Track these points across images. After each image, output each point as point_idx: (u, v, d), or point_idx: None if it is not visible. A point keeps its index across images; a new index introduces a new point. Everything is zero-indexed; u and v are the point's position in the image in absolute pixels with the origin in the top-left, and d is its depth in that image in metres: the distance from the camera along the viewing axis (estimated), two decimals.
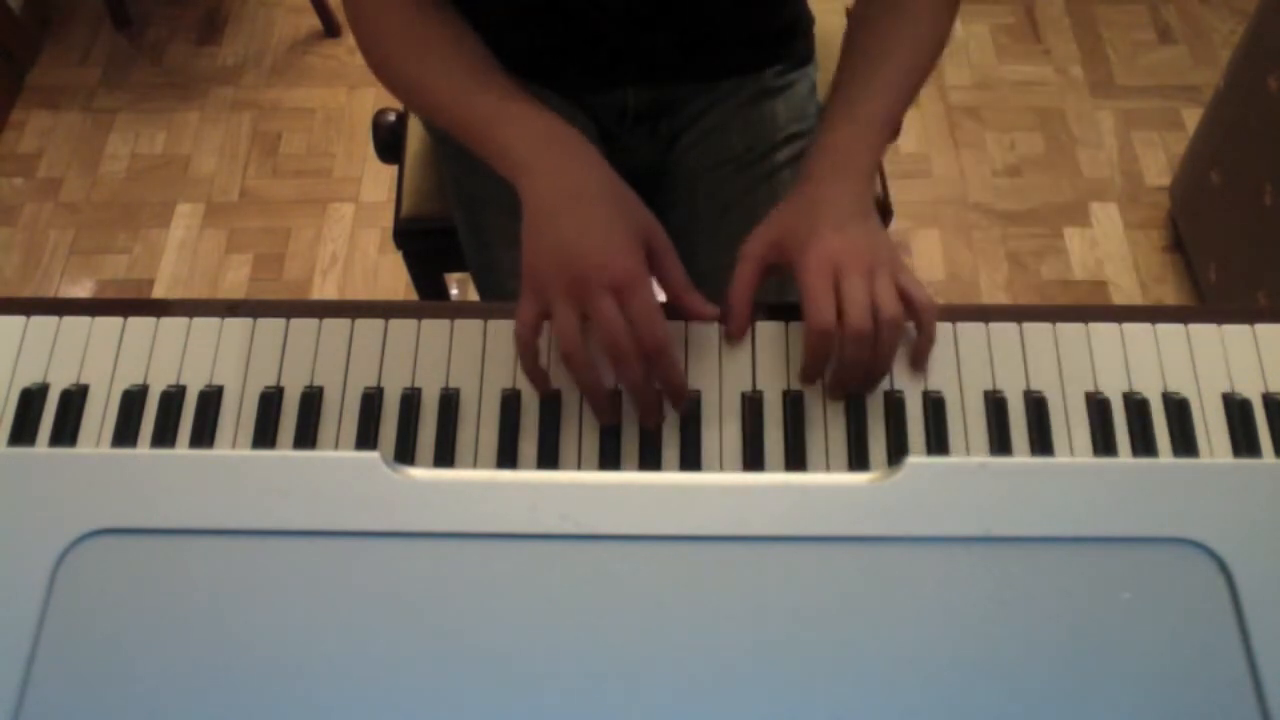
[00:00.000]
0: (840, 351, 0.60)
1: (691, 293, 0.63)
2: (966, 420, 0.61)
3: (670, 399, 0.61)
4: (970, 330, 0.64)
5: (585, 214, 0.62)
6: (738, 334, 0.64)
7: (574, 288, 0.59)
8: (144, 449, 0.60)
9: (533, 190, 0.63)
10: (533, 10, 0.76)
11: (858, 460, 0.60)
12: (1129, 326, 0.63)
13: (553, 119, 0.67)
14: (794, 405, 0.61)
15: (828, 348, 0.60)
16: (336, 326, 0.64)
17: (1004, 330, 0.64)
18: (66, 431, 0.61)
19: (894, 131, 0.73)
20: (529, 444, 0.61)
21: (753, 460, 0.60)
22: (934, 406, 0.61)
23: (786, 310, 0.64)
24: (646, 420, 0.61)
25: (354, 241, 1.71)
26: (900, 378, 0.63)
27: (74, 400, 0.61)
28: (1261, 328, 0.63)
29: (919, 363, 0.63)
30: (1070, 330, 0.63)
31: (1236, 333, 0.63)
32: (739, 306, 0.64)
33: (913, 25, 0.71)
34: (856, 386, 0.62)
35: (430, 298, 1.13)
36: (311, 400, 0.62)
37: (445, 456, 0.60)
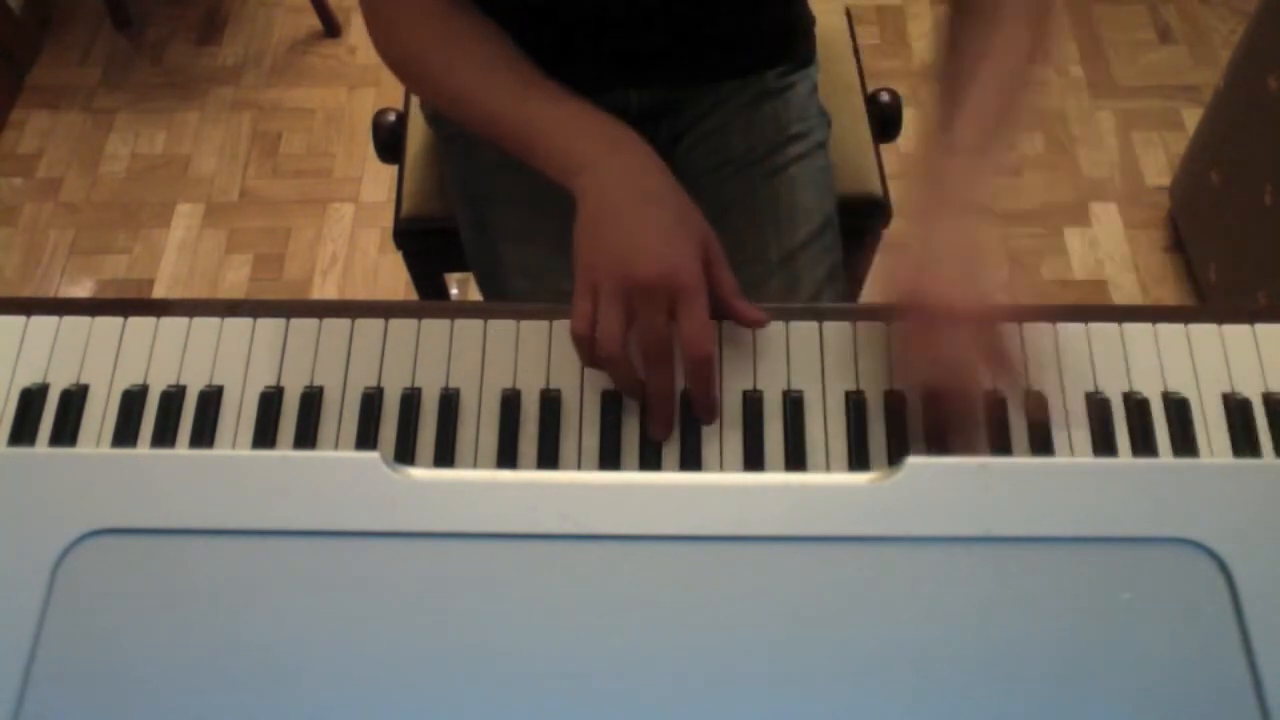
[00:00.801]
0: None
1: (741, 299, 0.62)
2: None
3: (700, 412, 0.61)
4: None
5: (650, 217, 0.61)
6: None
7: (629, 290, 0.58)
8: (144, 449, 0.60)
9: (595, 189, 0.62)
10: (534, 11, 0.76)
11: (858, 460, 0.60)
12: (1129, 326, 0.63)
13: (615, 122, 0.66)
14: (794, 405, 0.61)
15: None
16: (336, 326, 0.64)
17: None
18: (66, 431, 0.61)
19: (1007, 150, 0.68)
20: (529, 444, 0.61)
21: (753, 460, 0.60)
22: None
23: (785, 311, 0.64)
24: (659, 433, 0.61)
25: (354, 241, 1.71)
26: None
27: (74, 400, 0.61)
28: (1261, 328, 0.63)
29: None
30: (1070, 330, 0.63)
31: (1236, 333, 0.63)
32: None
33: (1005, 32, 0.66)
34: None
35: (430, 298, 1.13)
36: (311, 400, 0.62)
37: (445, 456, 0.60)
